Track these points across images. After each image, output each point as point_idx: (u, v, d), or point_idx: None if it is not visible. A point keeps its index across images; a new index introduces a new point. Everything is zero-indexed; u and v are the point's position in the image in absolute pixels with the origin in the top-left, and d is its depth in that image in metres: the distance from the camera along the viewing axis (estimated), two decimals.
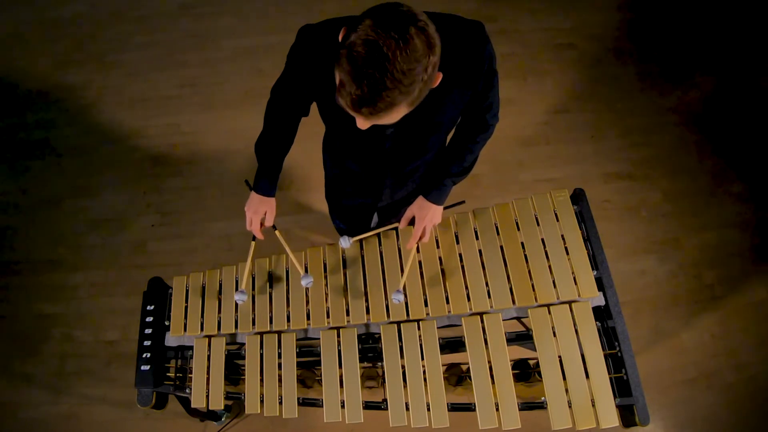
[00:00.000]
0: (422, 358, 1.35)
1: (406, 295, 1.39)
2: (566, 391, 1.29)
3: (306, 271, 1.47)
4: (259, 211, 1.40)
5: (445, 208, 1.46)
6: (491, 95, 1.18)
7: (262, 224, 1.43)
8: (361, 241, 1.51)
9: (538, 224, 1.47)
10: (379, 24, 0.77)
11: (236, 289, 1.47)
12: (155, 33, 3.10)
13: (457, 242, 1.48)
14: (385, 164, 1.34)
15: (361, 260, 1.48)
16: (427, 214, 1.38)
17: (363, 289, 1.44)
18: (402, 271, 1.44)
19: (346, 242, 1.44)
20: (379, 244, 1.50)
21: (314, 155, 1.66)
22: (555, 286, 1.39)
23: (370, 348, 1.42)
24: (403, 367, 1.35)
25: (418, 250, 1.45)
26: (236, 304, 1.47)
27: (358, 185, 1.49)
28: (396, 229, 1.49)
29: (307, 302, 1.45)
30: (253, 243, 1.48)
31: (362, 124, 0.89)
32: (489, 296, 1.39)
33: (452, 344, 1.42)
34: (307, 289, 1.46)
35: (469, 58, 1.05)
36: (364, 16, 0.80)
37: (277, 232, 1.48)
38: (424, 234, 1.40)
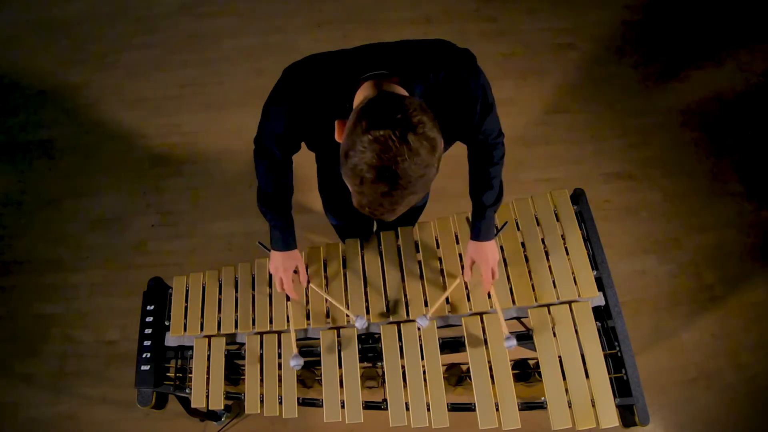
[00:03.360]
0: (422, 358, 1.35)
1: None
2: (566, 391, 1.29)
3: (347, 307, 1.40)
4: (288, 268, 1.34)
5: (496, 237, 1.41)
6: (487, 123, 1.14)
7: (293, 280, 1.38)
8: (361, 242, 1.51)
9: (538, 224, 1.47)
10: (379, 140, 0.75)
11: (295, 355, 1.36)
12: (155, 33, 3.10)
13: (457, 242, 1.48)
14: None
15: (361, 260, 1.48)
16: (485, 255, 1.33)
17: (363, 289, 1.44)
18: (403, 275, 1.43)
19: (360, 322, 1.35)
20: (379, 245, 1.50)
21: (313, 155, 1.66)
22: (555, 286, 1.39)
23: (370, 348, 1.41)
24: (403, 367, 1.35)
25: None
26: (236, 305, 1.47)
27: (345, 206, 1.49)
28: (462, 280, 1.42)
29: (307, 302, 1.45)
30: (288, 304, 1.42)
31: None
32: (489, 296, 1.39)
33: (452, 344, 1.42)
34: (307, 288, 1.46)
35: (462, 97, 1.03)
36: (359, 119, 0.78)
37: (312, 285, 1.42)
38: (494, 273, 1.35)
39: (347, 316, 1.39)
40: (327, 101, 0.98)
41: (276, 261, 1.34)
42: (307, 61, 1.03)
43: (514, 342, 1.30)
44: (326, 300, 1.43)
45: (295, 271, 1.39)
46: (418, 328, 1.36)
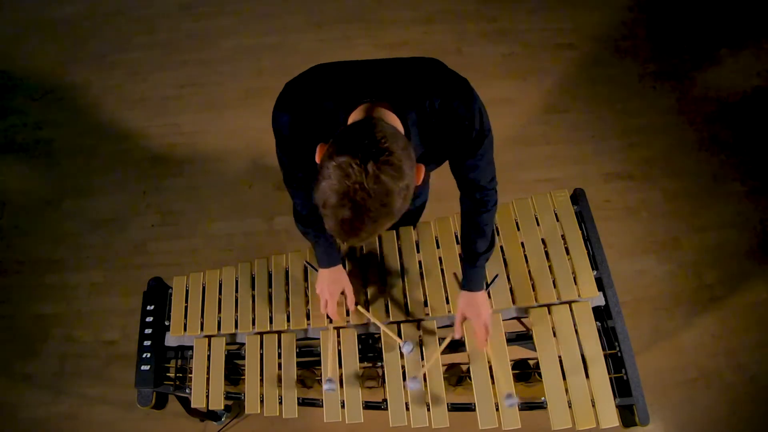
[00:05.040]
0: (422, 358, 1.35)
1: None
2: (566, 391, 1.29)
3: (400, 337, 1.36)
4: (335, 292, 1.33)
5: (488, 290, 1.38)
6: (481, 160, 1.08)
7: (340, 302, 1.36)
8: (362, 245, 1.51)
9: (538, 224, 1.47)
10: (342, 166, 0.76)
11: (329, 379, 1.33)
12: (155, 33, 3.10)
13: (457, 242, 1.48)
14: None
15: (362, 260, 1.48)
16: (477, 308, 1.28)
17: (363, 289, 1.44)
18: (403, 275, 1.43)
19: (407, 348, 1.32)
20: (380, 245, 1.50)
21: None
22: (555, 286, 1.39)
23: (370, 348, 1.41)
24: (403, 367, 1.35)
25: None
26: (236, 305, 1.47)
27: None
28: (451, 337, 1.35)
29: (307, 302, 1.45)
30: (330, 326, 1.38)
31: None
32: (489, 296, 1.39)
33: (452, 344, 1.42)
34: (306, 289, 1.46)
35: (456, 127, 1.01)
36: (331, 144, 0.79)
37: (359, 307, 1.38)
38: (488, 329, 1.30)
39: (397, 341, 1.35)
40: (323, 121, 0.98)
41: (323, 282, 1.34)
42: (308, 75, 1.02)
43: (515, 401, 1.26)
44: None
45: (342, 292, 1.37)
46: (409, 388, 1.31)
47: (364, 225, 0.78)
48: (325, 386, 1.31)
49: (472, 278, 1.28)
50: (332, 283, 1.34)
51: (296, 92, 1.00)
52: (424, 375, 1.33)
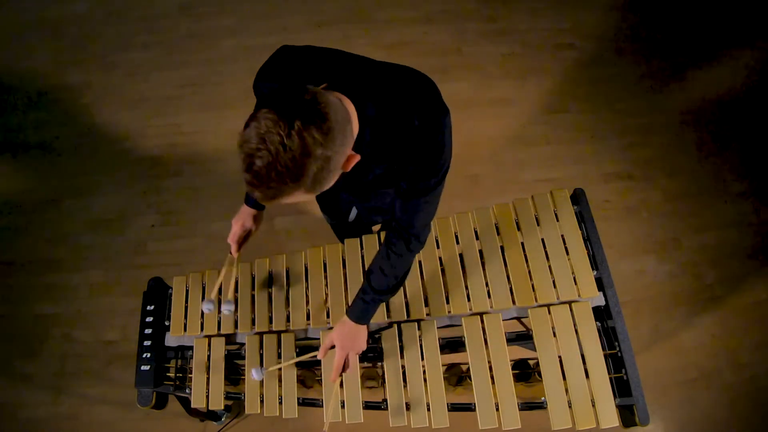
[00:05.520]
0: (422, 358, 1.35)
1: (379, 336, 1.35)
2: (566, 391, 1.29)
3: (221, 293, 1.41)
4: (246, 225, 1.36)
5: (370, 334, 1.34)
6: (426, 198, 1.05)
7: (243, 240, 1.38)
8: (361, 241, 1.51)
9: (538, 224, 1.47)
10: (270, 117, 0.76)
11: (207, 299, 1.41)
12: (155, 33, 3.10)
13: (457, 242, 1.48)
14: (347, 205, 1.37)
15: (362, 260, 1.48)
16: (348, 340, 1.21)
17: None
18: None
19: (258, 374, 1.34)
20: (380, 244, 1.50)
21: None
22: (555, 286, 1.39)
23: (370, 348, 1.41)
24: (403, 367, 1.35)
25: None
26: (236, 305, 1.47)
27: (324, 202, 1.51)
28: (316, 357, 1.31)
29: (307, 302, 1.45)
30: (228, 257, 1.42)
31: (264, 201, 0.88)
32: (489, 296, 1.39)
33: (452, 344, 1.43)
34: (307, 289, 1.46)
35: (418, 140, 0.97)
36: (263, 101, 0.80)
37: (237, 254, 1.39)
38: (347, 365, 1.23)
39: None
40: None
41: (242, 215, 1.35)
42: (302, 49, 1.06)
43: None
44: (326, 299, 1.44)
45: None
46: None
47: (270, 179, 0.78)
48: (223, 308, 1.36)
49: (357, 308, 1.21)
50: (248, 219, 1.36)
51: (268, 75, 1.08)
52: (424, 373, 1.33)
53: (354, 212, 1.55)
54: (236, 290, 1.49)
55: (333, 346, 1.24)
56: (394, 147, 0.99)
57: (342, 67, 1.00)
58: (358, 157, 0.89)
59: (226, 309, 1.37)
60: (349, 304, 1.24)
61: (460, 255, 1.46)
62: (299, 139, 0.76)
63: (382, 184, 1.14)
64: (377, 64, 1.03)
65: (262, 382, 1.38)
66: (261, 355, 1.41)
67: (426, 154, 0.99)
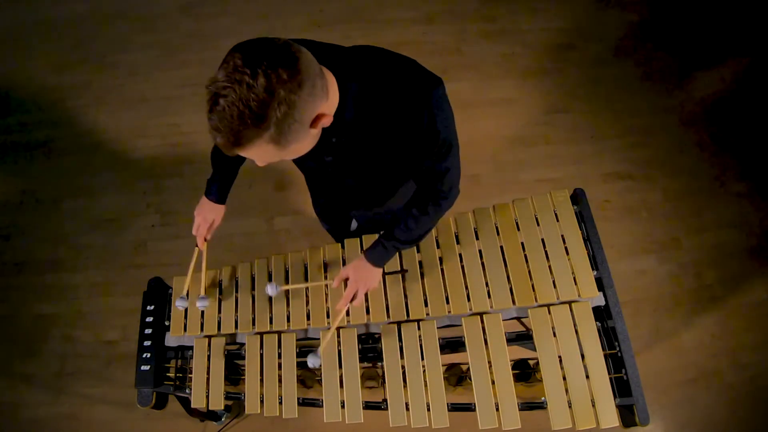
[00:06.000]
0: (422, 358, 1.35)
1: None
2: (566, 391, 1.29)
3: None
4: (208, 218, 1.38)
5: (385, 274, 1.39)
6: (443, 165, 1.07)
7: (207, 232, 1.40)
8: (361, 241, 1.51)
9: (538, 224, 1.47)
10: (239, 57, 0.77)
11: (180, 296, 1.46)
12: (155, 33, 3.10)
13: (458, 242, 1.48)
14: (345, 200, 1.35)
15: None
16: (362, 276, 1.27)
17: None
18: (403, 275, 1.43)
19: (272, 289, 1.36)
20: None
21: None
22: (555, 286, 1.39)
23: (370, 348, 1.41)
24: (403, 367, 1.35)
25: (348, 313, 1.39)
26: (236, 305, 1.47)
27: (326, 209, 1.49)
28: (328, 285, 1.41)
29: (307, 302, 1.45)
30: (196, 250, 1.44)
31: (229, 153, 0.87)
32: (489, 296, 1.39)
33: (452, 344, 1.43)
34: (307, 289, 1.46)
35: (405, 113, 0.97)
36: (236, 47, 0.80)
37: (204, 248, 1.43)
38: (356, 297, 1.27)
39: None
40: None
41: (203, 207, 1.39)
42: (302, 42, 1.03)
43: (318, 361, 1.27)
44: (326, 299, 1.44)
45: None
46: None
47: (233, 119, 0.77)
48: (198, 303, 1.42)
49: (376, 251, 1.25)
50: (209, 212, 1.39)
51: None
52: (424, 373, 1.33)
53: (354, 224, 1.56)
54: (219, 285, 1.51)
55: (347, 279, 1.28)
56: (383, 120, 0.98)
57: (322, 52, 0.98)
58: (330, 118, 0.88)
59: (201, 305, 1.42)
60: (370, 245, 1.27)
61: (460, 255, 1.46)
62: (264, 78, 0.75)
63: (382, 159, 1.11)
64: (355, 48, 1.02)
65: (271, 300, 1.43)
66: (261, 356, 1.41)
67: (420, 124, 0.97)
